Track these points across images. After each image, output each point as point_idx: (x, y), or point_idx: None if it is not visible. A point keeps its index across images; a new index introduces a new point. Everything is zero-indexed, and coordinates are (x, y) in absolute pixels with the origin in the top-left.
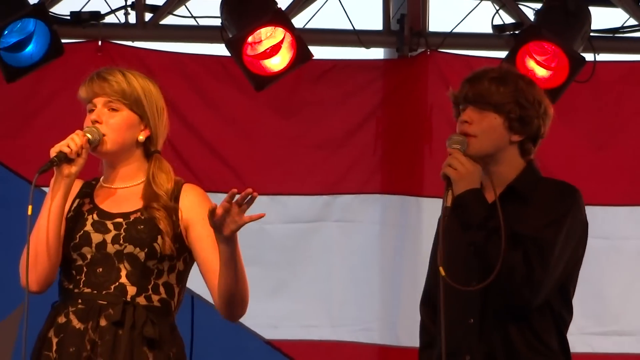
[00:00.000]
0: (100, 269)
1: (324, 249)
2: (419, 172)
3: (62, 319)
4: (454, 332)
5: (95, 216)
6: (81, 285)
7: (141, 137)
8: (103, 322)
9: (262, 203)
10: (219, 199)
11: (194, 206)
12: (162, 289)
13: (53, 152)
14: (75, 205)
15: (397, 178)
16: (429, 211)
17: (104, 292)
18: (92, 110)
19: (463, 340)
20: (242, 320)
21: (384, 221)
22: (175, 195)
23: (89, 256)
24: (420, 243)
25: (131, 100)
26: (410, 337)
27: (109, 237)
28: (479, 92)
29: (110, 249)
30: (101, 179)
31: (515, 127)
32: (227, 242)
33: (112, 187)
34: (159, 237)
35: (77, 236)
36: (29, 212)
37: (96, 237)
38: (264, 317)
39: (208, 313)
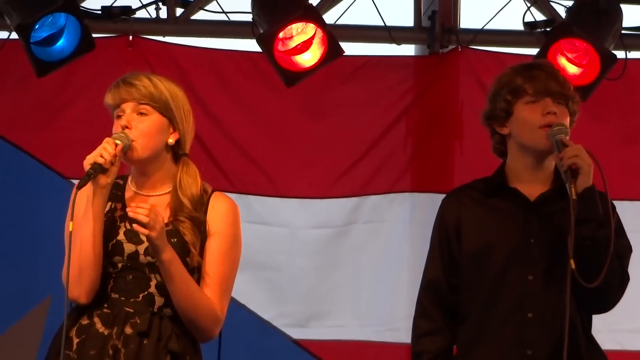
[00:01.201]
0: (131, 277)
1: (353, 251)
2: (449, 169)
3: (85, 321)
4: (507, 325)
5: (127, 225)
6: (109, 290)
7: (171, 141)
8: (128, 330)
9: (292, 206)
10: (250, 201)
11: (217, 218)
12: None
13: (87, 164)
14: (108, 209)
15: (427, 176)
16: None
17: (132, 299)
18: (119, 117)
19: (520, 334)
20: (270, 319)
21: (412, 220)
22: (204, 203)
23: (119, 265)
24: (421, 237)
25: (160, 103)
26: None
27: (141, 249)
28: (561, 84)
29: (143, 259)
30: (130, 182)
31: (571, 124)
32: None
33: (143, 194)
34: (190, 251)
35: (110, 244)
36: (71, 228)
37: (128, 247)
38: (291, 318)
39: (235, 312)
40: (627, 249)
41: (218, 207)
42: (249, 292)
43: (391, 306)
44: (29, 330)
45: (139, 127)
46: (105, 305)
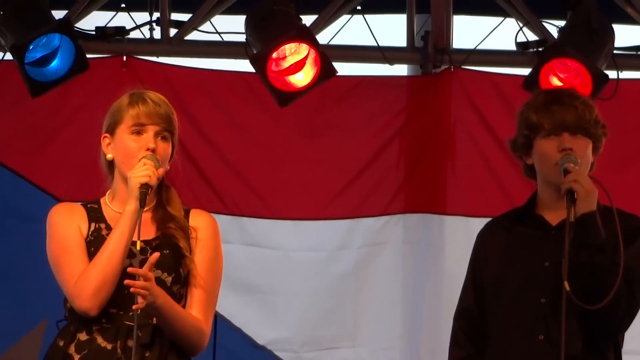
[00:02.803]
0: (127, 291)
1: (347, 276)
2: (442, 189)
3: (84, 336)
4: (520, 346)
5: None
6: (106, 305)
7: (168, 167)
8: (131, 344)
9: (286, 228)
10: (243, 223)
11: (202, 230)
12: None
13: (137, 184)
14: (92, 229)
15: (420, 196)
16: (452, 229)
17: (130, 313)
18: (138, 133)
19: (533, 356)
20: (264, 343)
21: (406, 240)
22: (186, 218)
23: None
24: (442, 261)
25: (175, 130)
26: (431, 355)
27: (135, 262)
28: (578, 119)
29: None
30: (107, 202)
31: (597, 148)
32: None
33: (117, 211)
34: (183, 261)
35: None
36: (138, 247)
37: (125, 263)
38: (286, 342)
39: (230, 335)
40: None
41: (200, 220)
42: (244, 315)
43: (385, 326)
44: (25, 354)
45: (162, 153)
46: (104, 320)
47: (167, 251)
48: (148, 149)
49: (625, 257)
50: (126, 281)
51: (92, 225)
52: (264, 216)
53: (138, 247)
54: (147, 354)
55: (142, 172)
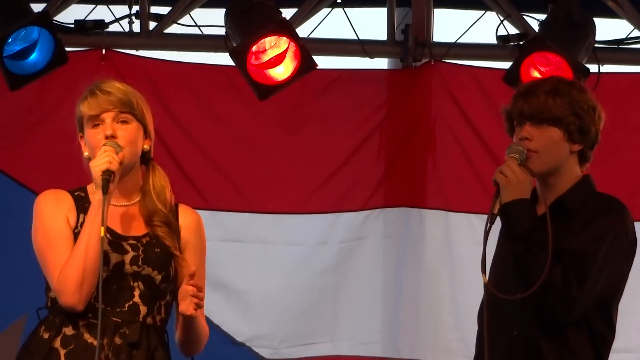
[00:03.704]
0: (115, 287)
1: (327, 272)
2: (422, 183)
3: (70, 331)
4: (498, 342)
5: (109, 236)
6: (93, 300)
7: (146, 147)
8: (118, 341)
9: (265, 222)
10: (222, 218)
11: (192, 231)
12: (163, 310)
13: (99, 171)
14: (81, 221)
15: (400, 190)
16: (432, 223)
17: (117, 309)
18: (97, 125)
19: (506, 351)
20: (243, 340)
21: (386, 234)
22: (174, 211)
23: (104, 275)
24: (422, 255)
25: (137, 110)
26: (411, 349)
27: (127, 258)
28: (535, 107)
29: (128, 269)
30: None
31: (575, 138)
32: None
33: (114, 204)
34: (172, 260)
35: None
36: (102, 233)
37: (115, 258)
38: (265, 338)
39: (210, 333)
40: (588, 259)
41: (189, 219)
42: (222, 312)
43: (365, 320)
44: (3, 351)
45: (124, 136)
46: (90, 316)
47: (158, 249)
48: (107, 137)
49: (578, 240)
50: (192, 292)
51: (81, 217)
52: (243, 210)
53: (102, 234)
54: (134, 352)
55: (102, 159)
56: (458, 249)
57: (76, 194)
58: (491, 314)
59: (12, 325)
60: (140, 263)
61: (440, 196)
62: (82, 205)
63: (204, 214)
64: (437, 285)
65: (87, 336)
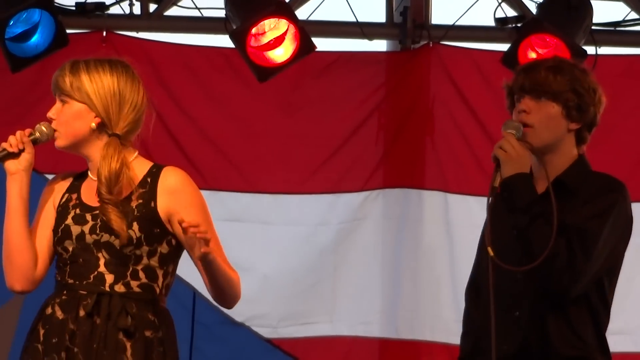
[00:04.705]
0: (82, 260)
1: (327, 252)
2: (421, 164)
3: (49, 310)
4: (500, 323)
5: (77, 210)
6: (66, 277)
7: (93, 125)
8: (81, 313)
9: (265, 202)
10: (222, 198)
11: (176, 193)
12: (142, 274)
13: None
14: (63, 200)
15: (399, 171)
16: (430, 204)
17: (84, 282)
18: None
19: (506, 332)
20: (243, 320)
21: (385, 215)
22: (152, 179)
23: (70, 248)
24: (421, 236)
25: (75, 90)
26: (410, 329)
27: (86, 228)
28: (536, 81)
29: (89, 239)
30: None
31: (574, 115)
32: (199, 257)
33: (92, 178)
34: (135, 223)
35: (60, 230)
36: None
37: (75, 230)
38: (263, 319)
39: (209, 311)
40: (593, 233)
41: (172, 179)
42: None
43: (364, 301)
44: (2, 325)
45: (59, 117)
46: (64, 292)
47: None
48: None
49: (580, 216)
50: (191, 229)
51: (65, 195)
52: (243, 190)
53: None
54: (97, 322)
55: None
56: (457, 230)
57: (78, 174)
58: (494, 290)
59: (11, 300)
60: (98, 231)
61: (438, 177)
62: (74, 184)
63: (204, 194)
64: (435, 266)
65: (58, 313)
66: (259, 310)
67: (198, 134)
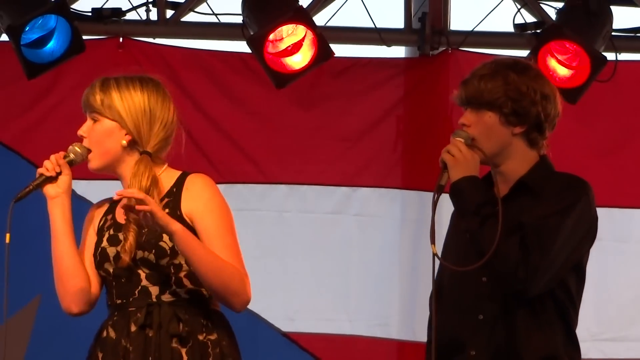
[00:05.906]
0: (124, 279)
1: (342, 242)
2: (439, 169)
3: (104, 334)
4: (462, 326)
5: (111, 231)
6: (114, 298)
7: (124, 142)
8: (133, 328)
9: (281, 192)
10: (238, 189)
11: (194, 198)
12: (186, 281)
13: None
14: (101, 223)
15: (417, 174)
16: (448, 207)
17: (131, 299)
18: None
19: (471, 335)
20: (258, 312)
21: (403, 216)
22: (177, 188)
23: (111, 270)
24: (439, 239)
25: (106, 107)
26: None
27: (120, 248)
28: (470, 92)
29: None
30: None
31: (512, 121)
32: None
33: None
34: (164, 235)
35: (98, 254)
36: (7, 240)
37: (111, 251)
38: (280, 309)
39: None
40: (551, 229)
41: (194, 186)
42: None
43: (382, 302)
44: (18, 330)
45: (90, 135)
46: (115, 314)
47: (144, 230)
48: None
49: (538, 213)
50: (121, 202)
51: (103, 218)
52: (259, 181)
53: (8, 240)
54: (150, 334)
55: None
56: None
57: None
58: (455, 298)
59: (27, 305)
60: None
61: None
62: (112, 206)
63: (220, 187)
64: None
65: (112, 334)
66: (274, 301)
67: (215, 131)
